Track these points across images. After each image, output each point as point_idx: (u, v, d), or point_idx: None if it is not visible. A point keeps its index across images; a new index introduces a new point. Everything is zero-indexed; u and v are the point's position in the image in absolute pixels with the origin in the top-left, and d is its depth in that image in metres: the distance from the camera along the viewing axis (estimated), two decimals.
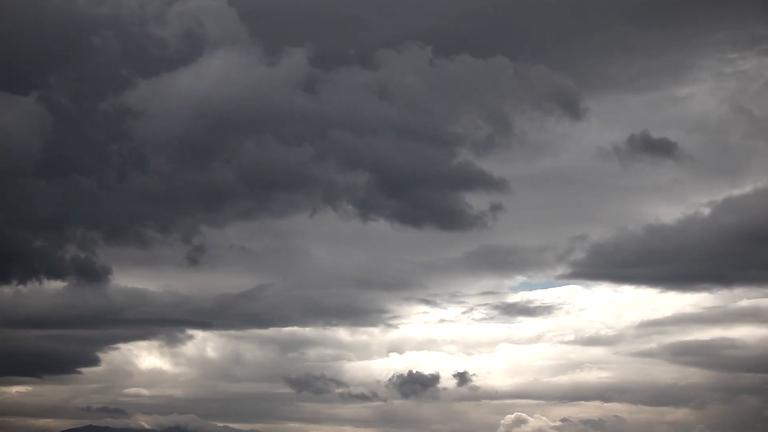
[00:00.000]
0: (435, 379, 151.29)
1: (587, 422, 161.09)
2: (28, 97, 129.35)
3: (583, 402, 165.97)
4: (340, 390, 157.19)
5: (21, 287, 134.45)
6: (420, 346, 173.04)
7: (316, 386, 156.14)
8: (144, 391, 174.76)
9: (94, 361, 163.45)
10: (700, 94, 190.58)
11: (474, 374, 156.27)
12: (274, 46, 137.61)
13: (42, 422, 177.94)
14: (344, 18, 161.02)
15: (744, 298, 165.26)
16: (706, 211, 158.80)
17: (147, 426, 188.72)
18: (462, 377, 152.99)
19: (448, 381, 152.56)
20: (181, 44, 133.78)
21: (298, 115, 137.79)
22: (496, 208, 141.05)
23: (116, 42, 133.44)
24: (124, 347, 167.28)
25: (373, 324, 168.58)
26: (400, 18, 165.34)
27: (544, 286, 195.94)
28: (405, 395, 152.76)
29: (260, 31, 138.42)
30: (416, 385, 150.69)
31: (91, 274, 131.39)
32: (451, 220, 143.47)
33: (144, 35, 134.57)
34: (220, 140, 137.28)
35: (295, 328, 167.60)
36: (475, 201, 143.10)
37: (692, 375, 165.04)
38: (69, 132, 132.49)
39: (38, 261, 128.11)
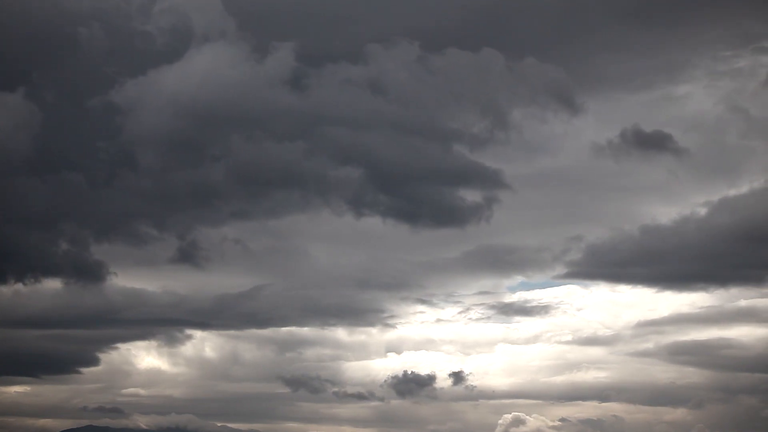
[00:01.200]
0: (433, 379, 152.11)
1: (586, 422, 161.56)
2: (15, 94, 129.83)
3: (580, 402, 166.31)
4: (338, 390, 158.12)
5: (19, 286, 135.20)
6: (418, 346, 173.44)
7: (314, 386, 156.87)
8: (143, 391, 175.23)
9: (93, 361, 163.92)
10: (695, 92, 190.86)
11: (472, 374, 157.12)
12: (262, 41, 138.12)
13: (41, 422, 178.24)
14: (332, 13, 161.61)
15: (741, 297, 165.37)
16: (703, 211, 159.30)
17: (146, 426, 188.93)
18: (460, 377, 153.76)
19: (445, 381, 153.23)
20: (168, 39, 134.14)
21: (288, 112, 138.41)
22: (492, 203, 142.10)
23: (103, 37, 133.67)
24: (122, 347, 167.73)
25: (371, 324, 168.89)
26: (388, 13, 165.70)
27: (542, 286, 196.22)
28: (403, 395, 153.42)
29: (247, 25, 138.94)
30: (414, 385, 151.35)
31: (89, 274, 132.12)
32: (447, 216, 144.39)
33: (130, 30, 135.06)
34: (213, 137, 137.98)
35: (293, 328, 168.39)
36: (471, 196, 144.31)
37: (690, 375, 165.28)
38: (59, 129, 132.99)
39: (34, 259, 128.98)
